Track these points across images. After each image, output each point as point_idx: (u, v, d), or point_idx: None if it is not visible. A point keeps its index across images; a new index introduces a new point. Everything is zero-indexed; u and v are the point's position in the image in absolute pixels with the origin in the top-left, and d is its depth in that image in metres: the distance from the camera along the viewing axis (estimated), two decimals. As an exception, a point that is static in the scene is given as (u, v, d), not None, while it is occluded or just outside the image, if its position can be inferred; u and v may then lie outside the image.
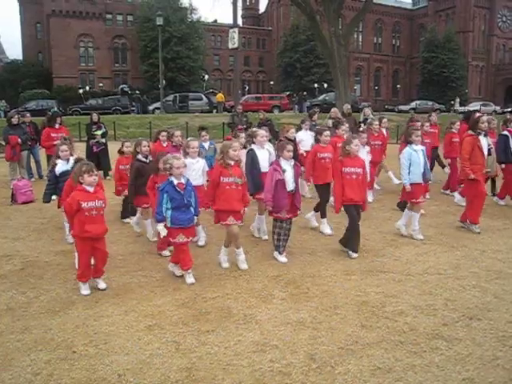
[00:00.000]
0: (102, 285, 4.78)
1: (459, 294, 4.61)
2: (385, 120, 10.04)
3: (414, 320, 4.06)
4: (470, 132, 7.00)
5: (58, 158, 6.21)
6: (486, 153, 7.07)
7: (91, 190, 4.54)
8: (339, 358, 3.44)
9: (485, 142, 7.07)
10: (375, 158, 8.71)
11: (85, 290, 4.66)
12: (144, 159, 6.39)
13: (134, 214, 6.87)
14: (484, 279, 5.01)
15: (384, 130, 9.69)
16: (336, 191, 5.87)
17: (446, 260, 5.64)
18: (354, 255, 5.73)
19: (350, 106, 13.17)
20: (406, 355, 3.49)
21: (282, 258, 5.60)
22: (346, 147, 5.82)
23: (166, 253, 5.73)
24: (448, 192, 9.47)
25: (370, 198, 8.69)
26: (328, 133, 6.84)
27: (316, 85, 49.31)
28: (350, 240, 5.81)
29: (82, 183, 4.54)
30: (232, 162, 5.24)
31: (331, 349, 3.58)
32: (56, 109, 27.87)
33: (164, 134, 7.84)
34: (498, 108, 44.98)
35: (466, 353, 3.52)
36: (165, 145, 7.66)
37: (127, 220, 7.27)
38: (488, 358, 3.44)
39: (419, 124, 9.19)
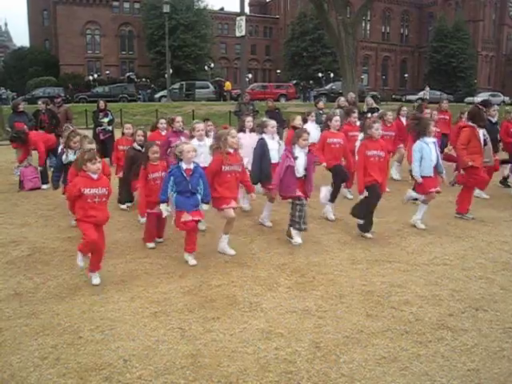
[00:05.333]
0: (95, 280, 4.52)
1: (465, 285, 4.60)
2: (404, 108, 9.86)
3: (419, 310, 4.06)
4: (469, 123, 7.07)
5: (69, 147, 6.33)
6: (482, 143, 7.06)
7: (95, 176, 4.47)
8: (344, 347, 3.45)
9: (481, 133, 7.07)
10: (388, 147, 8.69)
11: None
12: (139, 147, 6.57)
13: (130, 200, 7.13)
14: (490, 270, 4.99)
15: (404, 119, 9.55)
16: (359, 173, 6.00)
17: (452, 250, 5.62)
18: (369, 235, 6.00)
19: (354, 95, 13.08)
20: (411, 345, 3.49)
21: (298, 239, 5.67)
22: (367, 131, 5.99)
23: (151, 245, 5.62)
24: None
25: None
26: (338, 118, 6.88)
27: (321, 74, 48.94)
28: (365, 221, 6.04)
29: (85, 171, 4.47)
30: (231, 150, 5.23)
31: (336, 337, 3.58)
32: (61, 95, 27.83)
33: (163, 121, 7.66)
34: (506, 98, 44.54)
35: (472, 344, 3.51)
36: (163, 133, 7.51)
37: (123, 206, 7.23)
38: (494, 350, 3.44)
39: (428, 111, 9.21)
